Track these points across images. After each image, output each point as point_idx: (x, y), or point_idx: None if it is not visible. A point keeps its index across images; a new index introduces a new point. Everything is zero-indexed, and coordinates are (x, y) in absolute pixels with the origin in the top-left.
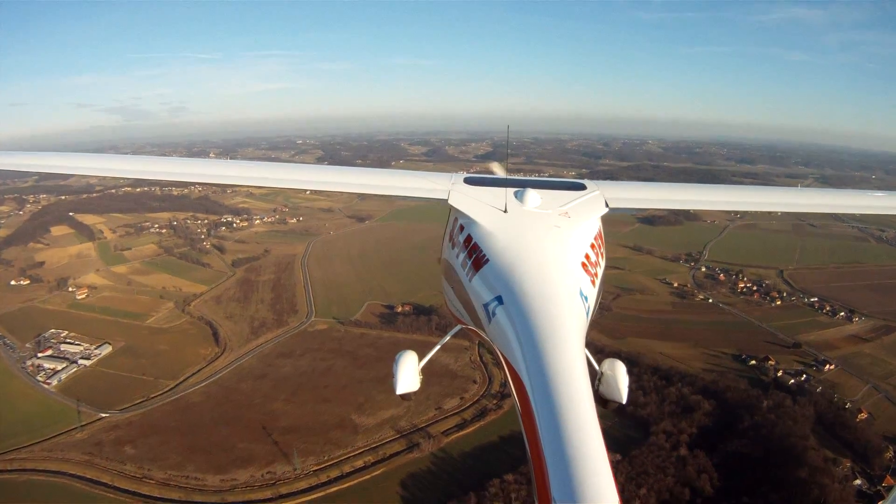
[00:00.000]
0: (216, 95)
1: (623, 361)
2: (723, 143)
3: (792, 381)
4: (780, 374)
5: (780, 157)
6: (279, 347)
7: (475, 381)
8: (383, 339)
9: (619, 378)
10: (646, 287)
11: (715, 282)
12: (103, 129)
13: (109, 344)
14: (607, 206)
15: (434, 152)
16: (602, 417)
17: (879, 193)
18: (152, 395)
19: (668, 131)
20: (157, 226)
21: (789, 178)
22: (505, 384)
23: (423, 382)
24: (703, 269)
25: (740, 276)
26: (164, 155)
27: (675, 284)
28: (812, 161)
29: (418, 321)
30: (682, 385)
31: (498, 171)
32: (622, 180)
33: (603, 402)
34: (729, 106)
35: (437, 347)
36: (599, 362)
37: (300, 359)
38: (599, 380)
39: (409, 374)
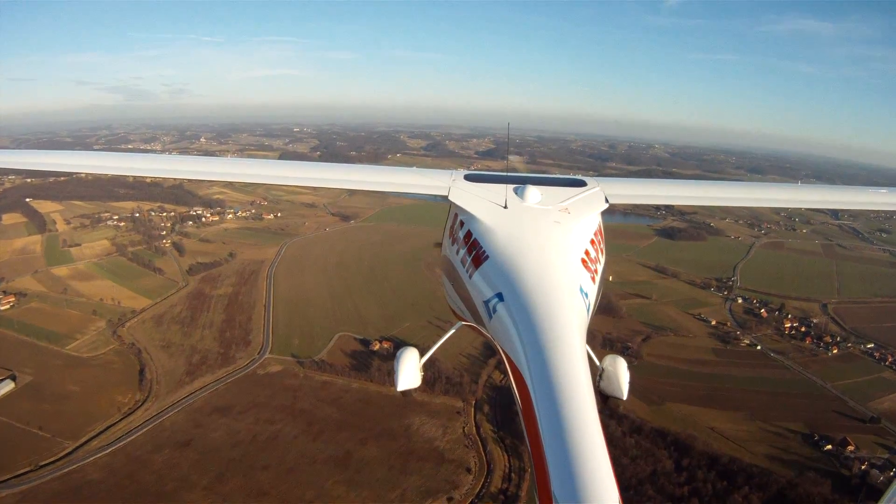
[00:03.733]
0: (218, 79)
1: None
2: (729, 150)
3: (881, 478)
4: (864, 466)
5: (790, 168)
6: (217, 398)
7: (469, 470)
8: (350, 394)
9: (620, 374)
10: (679, 325)
11: (757, 319)
12: (103, 107)
13: (13, 379)
14: (607, 202)
15: (434, 147)
16: (602, 413)
17: (883, 190)
18: (43, 462)
19: (674, 136)
20: (116, 217)
21: None
22: (510, 477)
23: (398, 471)
24: (740, 301)
25: (783, 311)
26: (155, 138)
27: (713, 322)
28: (822, 174)
29: None
30: (749, 488)
31: (519, 165)
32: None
33: (604, 398)
34: (734, 114)
35: (439, 344)
36: (601, 358)
37: (239, 418)
38: (601, 376)
39: (410, 370)
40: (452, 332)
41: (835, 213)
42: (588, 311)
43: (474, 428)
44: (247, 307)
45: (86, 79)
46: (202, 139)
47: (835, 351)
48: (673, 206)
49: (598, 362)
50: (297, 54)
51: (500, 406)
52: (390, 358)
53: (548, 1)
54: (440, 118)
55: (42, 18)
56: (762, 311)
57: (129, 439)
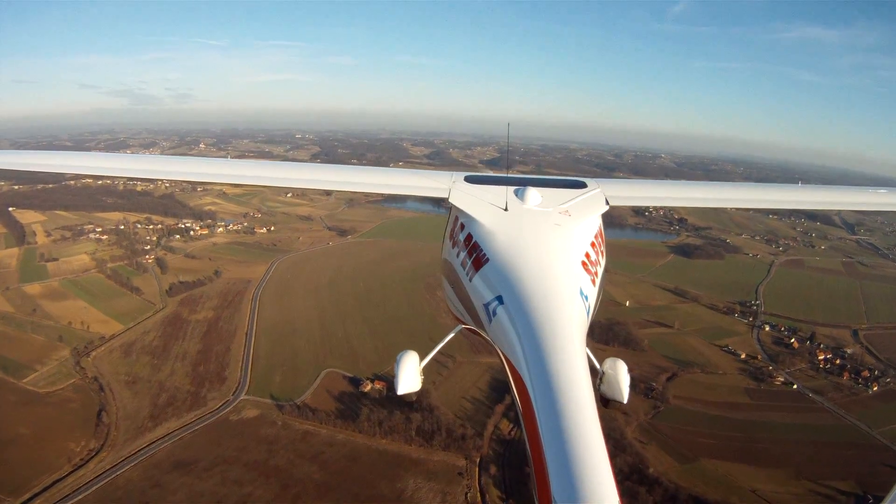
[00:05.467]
0: (223, 83)
1: None
2: (735, 160)
3: None
4: None
5: (798, 178)
6: (181, 449)
7: None
8: (335, 448)
9: (621, 377)
10: (706, 359)
11: (788, 350)
12: (107, 111)
13: None
14: (608, 203)
15: (437, 154)
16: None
17: (882, 190)
18: None
19: (680, 145)
20: (99, 230)
21: None
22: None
23: None
24: (768, 329)
25: (814, 341)
26: (155, 143)
27: (743, 356)
28: (834, 185)
29: (392, 418)
30: None
31: None
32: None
33: (604, 401)
34: (741, 123)
35: (439, 348)
36: (601, 361)
37: (203, 477)
38: (601, 379)
39: (410, 374)
40: (452, 335)
41: (850, 228)
42: (588, 313)
43: (479, 495)
44: (226, 336)
45: (90, 82)
46: (202, 145)
47: (875, 388)
48: (686, 222)
49: (598, 365)
50: (302, 59)
51: (511, 465)
52: (382, 403)
53: (553, 7)
54: (444, 125)
55: (45, 20)
56: (793, 340)
57: (76, 499)
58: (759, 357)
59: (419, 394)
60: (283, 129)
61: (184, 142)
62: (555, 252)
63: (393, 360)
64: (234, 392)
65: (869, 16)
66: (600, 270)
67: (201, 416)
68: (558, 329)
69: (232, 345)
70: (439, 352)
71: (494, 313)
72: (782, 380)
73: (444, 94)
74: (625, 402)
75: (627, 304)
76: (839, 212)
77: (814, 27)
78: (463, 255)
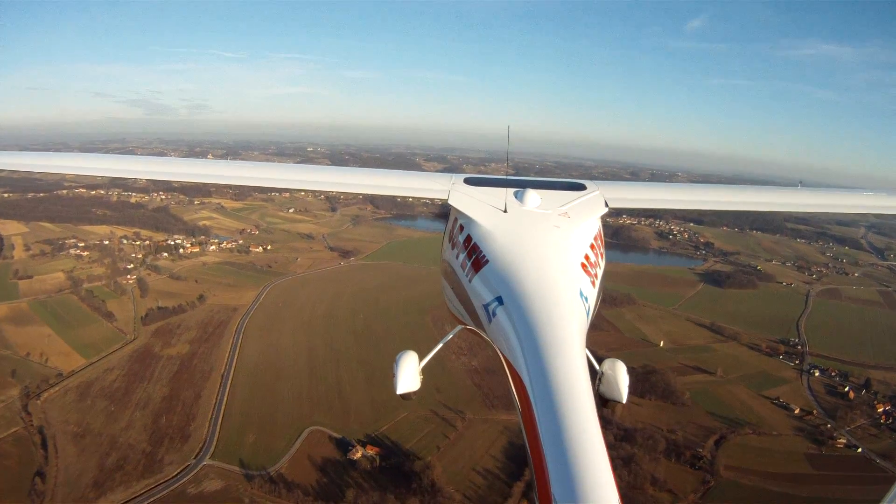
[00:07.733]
0: (237, 95)
1: None
2: (752, 178)
3: None
4: None
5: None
6: None
7: None
8: None
9: (620, 378)
10: (757, 416)
11: (844, 402)
12: (121, 121)
13: None
14: (607, 205)
15: (450, 170)
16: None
17: (868, 193)
18: None
19: (696, 164)
20: (81, 244)
21: (842, 226)
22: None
23: None
24: (818, 374)
25: (870, 388)
26: (164, 154)
27: (796, 410)
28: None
29: (384, 501)
30: None
31: None
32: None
33: (603, 401)
34: (756, 141)
35: (439, 346)
36: (600, 362)
37: None
38: (600, 379)
39: (409, 373)
40: (451, 335)
41: (880, 253)
42: (588, 315)
43: None
44: (199, 378)
45: (105, 91)
46: (210, 156)
47: None
48: (713, 246)
49: (597, 366)
50: (317, 72)
51: None
52: (373, 476)
53: (569, 25)
54: (458, 142)
55: (60, 28)
56: (847, 389)
57: None
58: (815, 412)
59: (423, 467)
60: (296, 143)
61: (193, 152)
62: (554, 253)
63: (388, 418)
64: (197, 455)
65: (882, 33)
66: (600, 272)
67: (153, 485)
68: (558, 330)
69: (203, 390)
70: (445, 407)
71: (494, 314)
72: (844, 441)
73: (459, 110)
74: (623, 402)
75: (662, 344)
76: (865, 233)
77: (828, 44)
78: (462, 256)
